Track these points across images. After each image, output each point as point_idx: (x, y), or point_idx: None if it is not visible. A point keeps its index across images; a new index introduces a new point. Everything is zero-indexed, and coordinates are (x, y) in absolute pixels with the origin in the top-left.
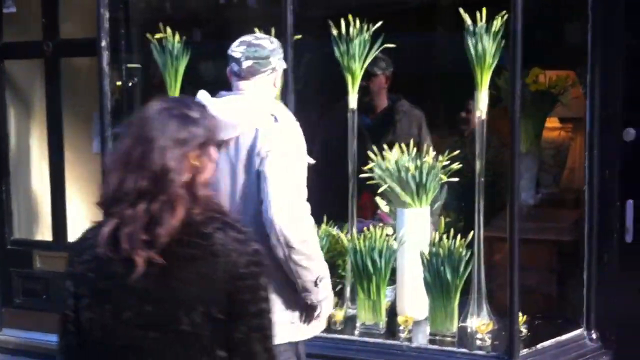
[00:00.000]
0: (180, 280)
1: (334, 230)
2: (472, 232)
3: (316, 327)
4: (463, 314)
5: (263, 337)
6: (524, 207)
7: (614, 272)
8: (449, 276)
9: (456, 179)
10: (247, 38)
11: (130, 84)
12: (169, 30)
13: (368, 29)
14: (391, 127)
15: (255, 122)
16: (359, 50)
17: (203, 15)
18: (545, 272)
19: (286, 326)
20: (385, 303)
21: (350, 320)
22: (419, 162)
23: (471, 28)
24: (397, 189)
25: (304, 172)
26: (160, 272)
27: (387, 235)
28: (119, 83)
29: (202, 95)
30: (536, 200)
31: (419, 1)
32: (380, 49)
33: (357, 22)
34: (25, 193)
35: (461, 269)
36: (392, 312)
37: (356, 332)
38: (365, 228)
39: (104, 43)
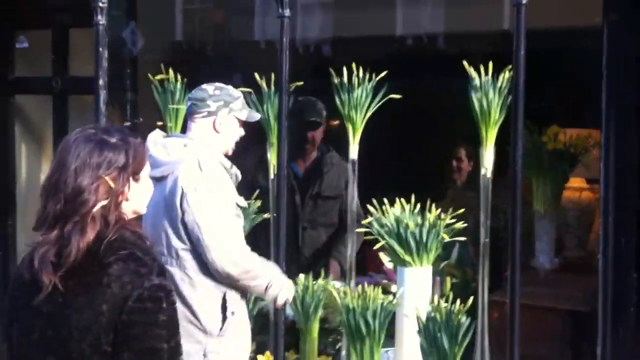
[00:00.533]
0: (73, 308)
1: (330, 284)
2: (471, 298)
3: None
4: None
5: None
6: (541, 271)
7: (629, 349)
8: (445, 344)
9: (462, 238)
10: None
11: (132, 123)
12: (170, 72)
13: (371, 78)
14: (318, 179)
15: (181, 165)
16: (361, 99)
17: (205, 57)
18: (557, 344)
19: (197, 357)
20: None
21: None
22: (419, 220)
23: (476, 82)
24: (397, 247)
25: (232, 216)
26: (61, 298)
27: (384, 294)
28: (127, 123)
29: (155, 133)
30: (554, 265)
31: (422, 50)
32: (385, 99)
33: (360, 70)
34: (32, 229)
35: (460, 336)
36: None
37: None
38: (359, 286)
39: (101, 82)
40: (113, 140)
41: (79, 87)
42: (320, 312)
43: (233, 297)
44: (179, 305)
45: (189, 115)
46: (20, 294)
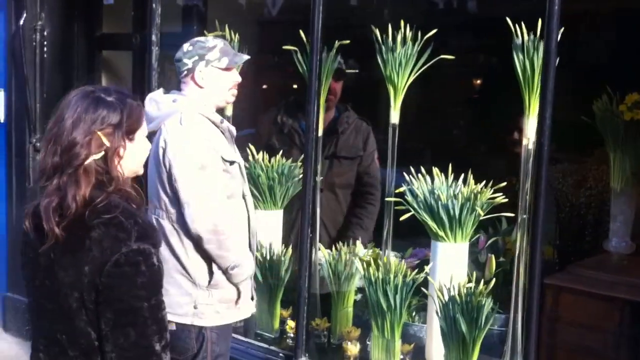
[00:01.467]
0: (60, 266)
1: (368, 254)
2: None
3: (226, 316)
4: None
5: (126, 334)
6: (614, 256)
7: None
8: (463, 327)
9: (510, 214)
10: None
11: None
12: (226, 29)
13: (415, 38)
14: (334, 139)
15: (166, 122)
16: (404, 59)
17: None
18: (628, 339)
19: (188, 308)
20: (399, 344)
21: (366, 357)
22: (453, 191)
23: (519, 42)
24: (428, 220)
25: (216, 173)
26: (53, 254)
27: (408, 268)
28: None
29: (155, 92)
30: (629, 249)
31: (471, 13)
32: (434, 61)
33: (407, 29)
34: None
35: (481, 321)
36: (419, 353)
37: None
38: (385, 257)
39: (154, 38)
40: (109, 98)
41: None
42: (356, 282)
43: None
44: (169, 257)
45: (178, 76)
46: (27, 242)
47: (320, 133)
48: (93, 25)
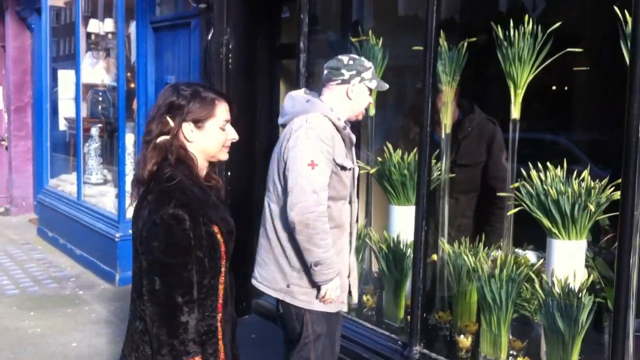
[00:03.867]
0: (134, 221)
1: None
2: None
3: (315, 303)
4: None
5: (152, 281)
6: None
7: None
8: (560, 325)
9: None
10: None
11: None
12: (370, 33)
13: (536, 32)
14: (454, 146)
15: (296, 119)
16: (526, 54)
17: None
18: None
19: (282, 285)
20: (506, 339)
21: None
22: (563, 187)
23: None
24: (540, 217)
25: (324, 173)
26: (134, 211)
27: (515, 265)
28: None
29: (298, 90)
30: None
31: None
32: (558, 55)
33: (531, 23)
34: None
35: (581, 319)
36: (536, 348)
37: None
38: (494, 254)
39: (302, 45)
40: (184, 91)
41: (322, 52)
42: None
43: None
44: (273, 237)
45: (324, 82)
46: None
47: (444, 134)
48: (273, 36)
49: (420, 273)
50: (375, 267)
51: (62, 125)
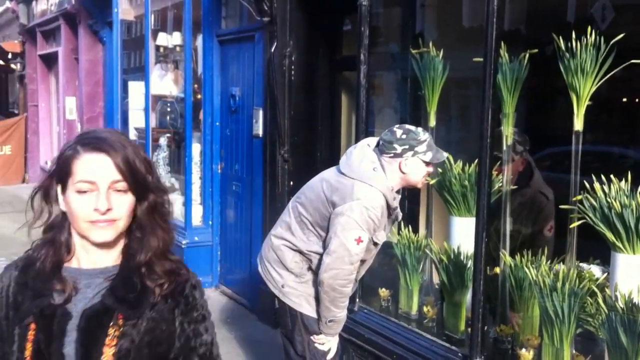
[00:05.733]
0: None
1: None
2: None
3: (307, 309)
4: None
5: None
6: None
7: None
8: (623, 340)
9: None
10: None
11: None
12: (431, 45)
13: (599, 43)
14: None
15: (358, 183)
16: (589, 66)
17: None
18: None
19: (279, 284)
20: (570, 353)
21: None
22: (627, 200)
23: None
24: (604, 230)
25: (364, 248)
26: None
27: (579, 278)
28: None
29: (373, 139)
30: None
31: None
32: (622, 67)
33: (593, 34)
34: None
35: None
36: None
37: None
38: (556, 267)
39: (362, 57)
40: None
41: (380, 65)
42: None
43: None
44: (282, 243)
45: (380, 152)
46: None
47: (505, 146)
48: (334, 48)
49: (480, 285)
50: (436, 279)
51: (133, 135)
